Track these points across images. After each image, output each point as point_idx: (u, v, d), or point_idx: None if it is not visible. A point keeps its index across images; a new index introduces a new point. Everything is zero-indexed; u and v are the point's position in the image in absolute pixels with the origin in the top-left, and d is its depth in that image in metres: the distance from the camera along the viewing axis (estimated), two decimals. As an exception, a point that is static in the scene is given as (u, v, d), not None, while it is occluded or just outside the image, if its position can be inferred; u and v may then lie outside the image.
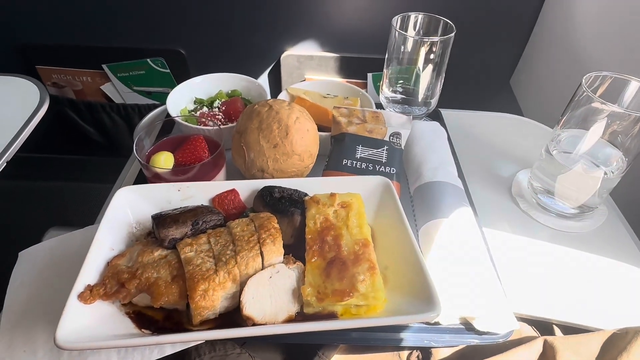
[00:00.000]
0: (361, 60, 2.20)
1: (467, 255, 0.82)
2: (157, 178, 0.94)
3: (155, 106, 2.38)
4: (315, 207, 0.83)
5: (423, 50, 1.04)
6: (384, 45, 1.11)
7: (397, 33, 1.06)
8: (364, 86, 2.34)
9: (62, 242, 0.90)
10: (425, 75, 1.08)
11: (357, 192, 0.90)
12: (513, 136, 1.29)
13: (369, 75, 2.24)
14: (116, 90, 2.37)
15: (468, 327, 0.78)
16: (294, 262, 0.76)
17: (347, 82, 2.41)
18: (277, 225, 0.79)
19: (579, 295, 0.89)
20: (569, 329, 0.85)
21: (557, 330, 0.85)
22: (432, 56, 1.05)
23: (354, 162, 0.99)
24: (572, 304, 0.88)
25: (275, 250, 0.74)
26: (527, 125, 1.35)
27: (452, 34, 1.03)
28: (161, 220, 0.78)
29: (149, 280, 0.71)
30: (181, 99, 1.18)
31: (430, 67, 1.07)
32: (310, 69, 2.25)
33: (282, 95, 1.19)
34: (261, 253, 0.74)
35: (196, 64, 2.23)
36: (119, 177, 1.09)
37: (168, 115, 1.10)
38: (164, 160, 0.95)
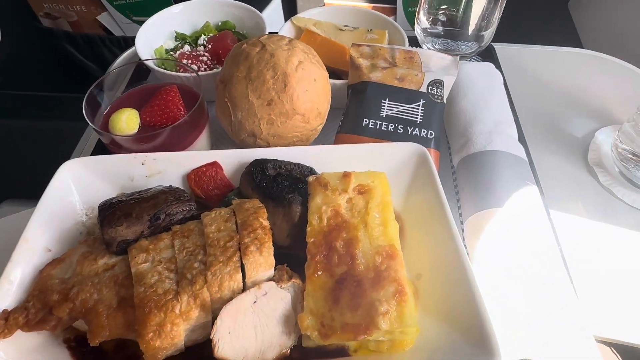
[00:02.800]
0: (390, -19, 1.87)
1: (535, 267, 0.58)
2: (118, 146, 0.71)
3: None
4: (322, 194, 0.59)
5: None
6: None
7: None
8: (392, 12, 2.00)
9: None
10: (478, 4, 0.78)
11: (381, 168, 0.65)
12: (590, 80, 0.98)
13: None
14: (114, 21, 2.13)
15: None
16: (289, 278, 0.54)
17: (373, 7, 2.09)
18: (266, 223, 0.56)
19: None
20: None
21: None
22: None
23: (378, 122, 0.73)
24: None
25: (262, 262, 0.53)
26: (609, 65, 1.02)
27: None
28: (108, 214, 0.56)
29: (85, 305, 0.51)
30: (156, 35, 0.92)
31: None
32: None
33: (286, 28, 0.91)
34: (242, 266, 0.52)
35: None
36: (77, 146, 0.86)
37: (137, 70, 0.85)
38: (126, 121, 0.72)
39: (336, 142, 0.75)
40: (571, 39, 1.83)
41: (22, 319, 0.50)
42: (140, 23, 2.19)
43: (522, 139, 0.78)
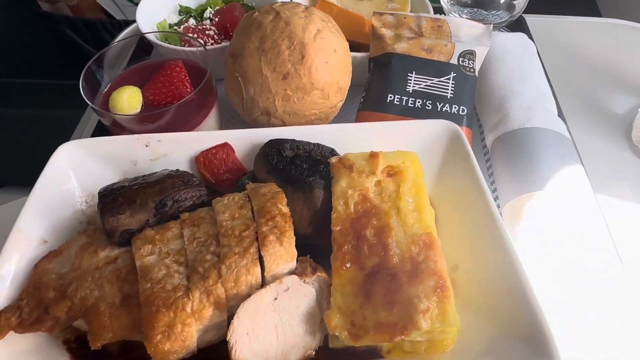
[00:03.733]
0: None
1: (586, 258, 0.52)
2: (119, 127, 0.65)
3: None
4: (347, 177, 0.53)
5: None
6: None
7: None
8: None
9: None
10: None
11: (410, 148, 0.59)
12: (628, 53, 0.91)
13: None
14: (115, 5, 2.07)
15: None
16: (314, 272, 0.48)
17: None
18: (285, 210, 0.50)
19: None
20: None
21: None
22: None
23: (404, 98, 0.66)
24: None
25: (282, 254, 0.47)
26: (649, 35, 0.94)
27: None
28: (108, 201, 0.50)
29: (85, 303, 0.45)
30: (159, 9, 0.85)
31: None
32: None
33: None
34: (260, 258, 0.46)
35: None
36: (76, 129, 0.79)
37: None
38: (128, 100, 0.66)
39: (358, 119, 0.69)
40: (589, 8, 1.74)
41: (14, 319, 0.45)
42: (142, 5, 2.11)
43: (561, 116, 0.71)
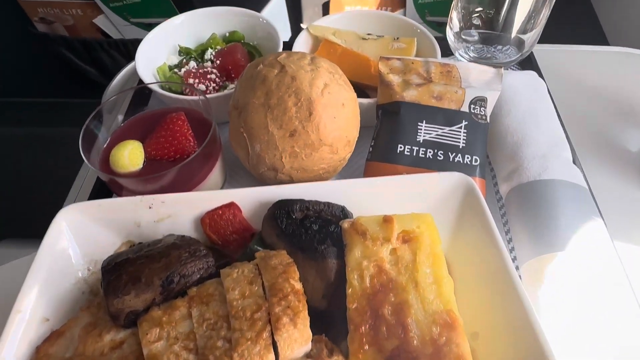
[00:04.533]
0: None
1: (613, 328, 0.50)
2: (120, 186, 0.63)
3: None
4: (361, 245, 0.51)
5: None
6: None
7: None
8: (402, 4, 1.90)
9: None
10: (525, 2, 0.69)
11: (422, 203, 0.57)
12: (638, 84, 0.89)
13: (409, -14, 1.79)
14: (112, 24, 2.05)
15: None
16: (330, 354, 0.46)
17: (382, 0, 1.99)
18: (298, 286, 0.48)
19: None
20: None
21: None
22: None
23: (415, 148, 0.64)
24: None
25: (297, 337, 0.44)
26: (659, 65, 0.93)
27: None
28: (112, 279, 0.48)
29: (90, 397, 0.43)
30: (158, 51, 0.83)
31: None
32: None
33: (302, 38, 0.82)
34: (273, 343, 0.44)
35: (200, -14, 1.84)
36: (73, 185, 0.77)
37: (140, 82, 0.75)
38: (129, 157, 0.64)
39: (366, 170, 0.66)
40: (593, 28, 1.73)
41: (16, 416, 0.42)
42: (139, 25, 2.12)
43: (576, 161, 0.69)
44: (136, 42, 2.21)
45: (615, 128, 0.81)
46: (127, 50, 2.15)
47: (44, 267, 0.52)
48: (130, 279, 0.48)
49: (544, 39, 0.90)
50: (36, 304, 0.50)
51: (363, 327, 0.45)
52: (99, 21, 2.06)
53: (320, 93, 0.58)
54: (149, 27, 2.02)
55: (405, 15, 1.99)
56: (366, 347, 0.44)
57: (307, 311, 0.46)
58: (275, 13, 2.01)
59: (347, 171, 0.72)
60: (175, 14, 1.88)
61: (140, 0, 1.92)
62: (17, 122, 1.72)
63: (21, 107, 1.95)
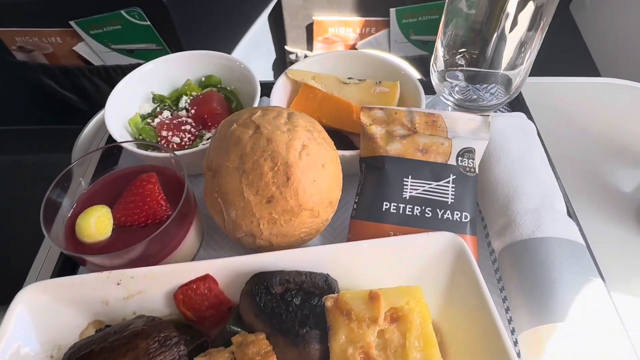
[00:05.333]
0: (381, -8, 1.73)
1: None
2: (85, 260, 0.58)
3: (139, 66, 2.00)
4: (346, 328, 0.47)
5: (512, 3, 0.61)
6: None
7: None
8: (386, 25, 1.90)
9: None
10: (513, 39, 0.66)
11: (411, 266, 0.54)
12: (629, 118, 0.86)
13: (392, 11, 1.78)
14: (92, 51, 2.02)
15: None
16: None
17: (365, 20, 1.97)
18: (278, 383, 0.43)
19: None
20: None
21: None
22: (527, 9, 0.62)
23: (401, 205, 0.60)
24: None
25: None
26: (649, 97, 0.90)
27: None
28: (72, 380, 0.44)
29: None
30: (131, 100, 0.79)
31: (522, 25, 0.65)
32: (318, 8, 1.84)
33: (280, 84, 0.78)
34: None
35: (180, 12, 1.82)
36: (35, 260, 0.71)
37: (110, 141, 0.71)
38: (95, 225, 0.59)
39: (351, 228, 0.63)
40: (575, 43, 1.73)
41: None
42: (120, 51, 2.08)
43: (569, 209, 0.66)
44: (117, 68, 2.18)
45: (608, 166, 0.79)
46: (109, 75, 2.12)
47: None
48: (92, 378, 0.44)
49: (533, 72, 0.87)
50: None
51: None
52: (79, 48, 2.03)
53: (298, 156, 0.55)
54: (130, 53, 2.00)
55: (389, 34, 1.98)
56: None
57: (287, 412, 0.42)
58: (259, 36, 1.99)
59: (332, 227, 0.69)
60: (156, 39, 1.85)
61: (120, 27, 1.89)
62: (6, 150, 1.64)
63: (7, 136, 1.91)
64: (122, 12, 1.82)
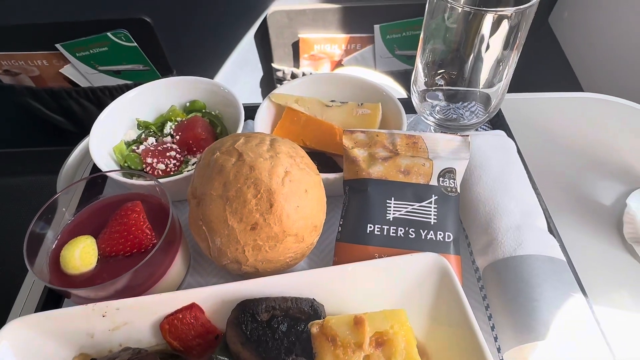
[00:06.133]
0: (365, 10, 1.78)
1: None
2: (69, 293, 0.58)
3: (127, 88, 2.00)
4: (332, 355, 0.47)
5: (486, 24, 0.63)
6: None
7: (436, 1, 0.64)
8: (370, 41, 1.94)
9: None
10: (489, 58, 0.68)
11: (396, 288, 0.54)
12: (612, 132, 0.88)
13: (376, 27, 1.82)
14: (79, 73, 2.03)
15: None
16: None
17: (350, 37, 2.00)
18: (264, 413, 0.44)
19: None
20: None
21: None
22: (500, 30, 0.64)
23: (385, 227, 0.61)
24: None
25: None
26: (632, 113, 0.92)
27: (536, 0, 0.60)
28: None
29: None
30: (115, 128, 0.79)
31: (497, 45, 0.66)
32: (303, 26, 1.87)
33: (264, 108, 0.79)
34: None
35: (166, 33, 1.85)
36: (20, 292, 0.71)
37: (95, 169, 0.71)
38: (80, 256, 0.59)
39: (336, 251, 0.63)
40: (555, 56, 1.77)
41: None
42: (107, 73, 2.09)
43: (549, 224, 0.68)
44: (105, 89, 2.18)
45: (588, 180, 0.80)
46: (96, 97, 2.13)
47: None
48: (77, 417, 0.43)
49: (516, 88, 0.89)
50: None
51: None
52: (66, 70, 2.04)
53: (281, 182, 0.55)
54: (117, 74, 2.01)
55: (374, 50, 2.02)
56: None
57: None
58: (246, 55, 2.00)
59: (318, 250, 0.69)
60: (143, 60, 1.86)
61: (107, 48, 1.90)
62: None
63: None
64: (109, 34, 1.84)
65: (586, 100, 0.94)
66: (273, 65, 2.02)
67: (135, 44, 1.83)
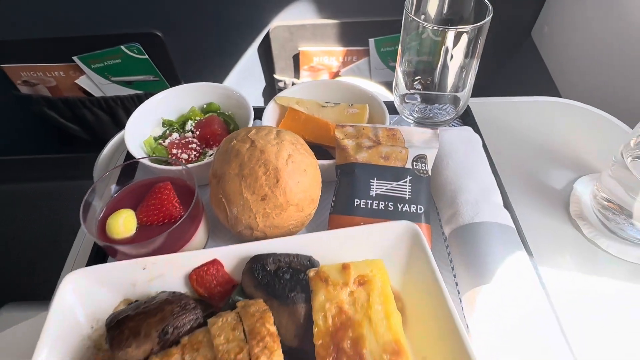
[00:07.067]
0: (360, 25, 1.93)
1: (534, 344, 0.61)
2: (116, 251, 0.72)
3: (138, 97, 2.13)
4: (324, 290, 0.61)
5: (449, 38, 0.78)
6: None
7: (411, 19, 0.80)
8: (366, 53, 2.08)
9: None
10: (454, 66, 0.83)
11: (377, 248, 0.68)
12: (566, 130, 1.03)
13: (371, 41, 1.98)
14: (93, 83, 2.16)
15: None
16: (301, 384, 0.55)
17: (347, 50, 2.16)
18: (273, 329, 0.58)
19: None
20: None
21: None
22: (461, 43, 0.79)
23: (369, 202, 0.76)
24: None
25: (273, 372, 0.54)
26: (582, 113, 1.08)
27: (488, 18, 0.76)
28: (116, 334, 0.57)
29: None
30: (145, 125, 0.94)
31: (459, 55, 0.81)
32: (303, 40, 2.00)
33: (270, 109, 0.94)
34: (254, 378, 0.53)
35: (176, 46, 1.99)
36: (71, 249, 0.86)
37: (128, 156, 0.86)
38: (124, 224, 0.73)
39: (330, 222, 0.78)
40: (537, 68, 1.90)
41: None
42: (120, 83, 2.23)
43: (506, 201, 0.82)
44: (117, 99, 2.31)
45: (543, 170, 0.95)
46: (109, 106, 2.26)
47: (55, 328, 0.61)
48: (131, 333, 0.57)
49: (496, 92, 1.04)
50: (49, 361, 0.59)
51: (328, 359, 0.55)
52: (81, 81, 2.16)
53: (285, 162, 0.70)
54: (129, 84, 2.13)
55: (370, 62, 2.17)
56: (330, 376, 0.54)
57: (281, 349, 0.56)
58: (250, 66, 2.15)
59: (315, 222, 0.83)
60: (154, 71, 1.99)
61: (120, 60, 2.03)
62: (9, 180, 1.74)
63: (6, 166, 2.01)
64: (122, 47, 1.97)
65: (545, 103, 1.10)
66: (275, 76, 2.17)
67: (147, 56, 1.96)
